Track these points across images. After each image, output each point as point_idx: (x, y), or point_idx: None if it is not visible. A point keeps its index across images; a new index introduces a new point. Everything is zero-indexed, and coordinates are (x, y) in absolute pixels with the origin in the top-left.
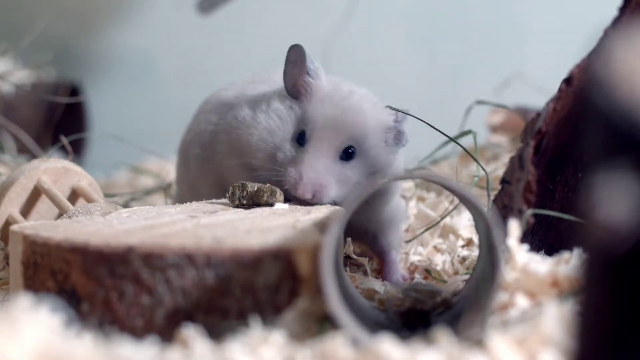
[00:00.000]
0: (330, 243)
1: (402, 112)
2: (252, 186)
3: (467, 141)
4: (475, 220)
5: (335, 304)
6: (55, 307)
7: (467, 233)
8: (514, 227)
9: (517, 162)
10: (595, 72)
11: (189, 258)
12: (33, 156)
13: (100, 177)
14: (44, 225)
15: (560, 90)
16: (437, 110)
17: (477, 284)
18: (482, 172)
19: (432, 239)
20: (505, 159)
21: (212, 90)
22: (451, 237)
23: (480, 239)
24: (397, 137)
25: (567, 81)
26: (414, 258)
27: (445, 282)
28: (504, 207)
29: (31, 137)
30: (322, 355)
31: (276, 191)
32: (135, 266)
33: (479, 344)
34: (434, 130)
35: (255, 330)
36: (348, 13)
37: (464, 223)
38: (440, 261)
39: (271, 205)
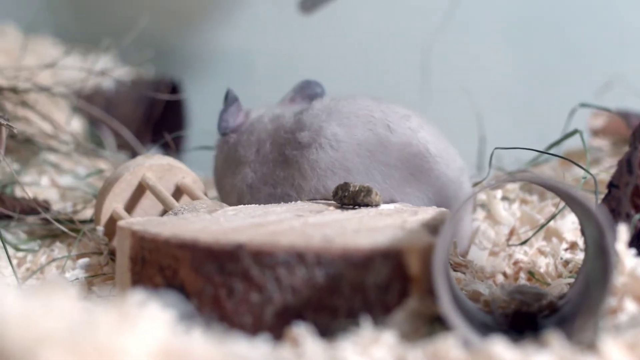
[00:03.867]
0: (442, 244)
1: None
2: (354, 186)
3: (570, 142)
4: (582, 222)
5: (447, 305)
6: (174, 302)
7: (571, 236)
8: (623, 232)
9: (625, 166)
10: None
11: (299, 256)
12: (133, 152)
13: (199, 174)
14: (150, 221)
15: None
16: (536, 113)
17: (586, 288)
18: (589, 174)
19: (536, 242)
20: (606, 162)
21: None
22: (554, 239)
23: (587, 242)
24: None
25: None
26: (518, 256)
27: (548, 284)
28: (612, 212)
29: (131, 133)
30: (434, 355)
31: (372, 190)
32: (245, 264)
33: (590, 347)
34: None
35: (366, 329)
36: (448, 14)
37: (568, 226)
38: (543, 264)
39: (371, 205)
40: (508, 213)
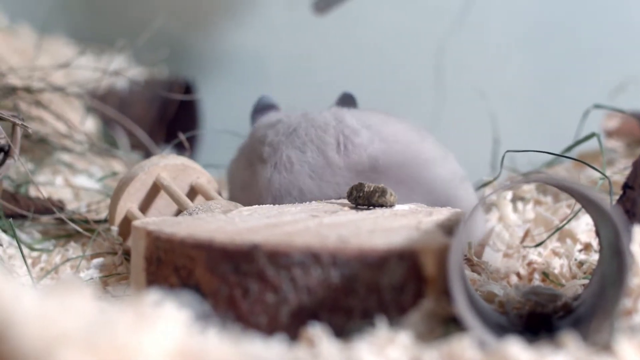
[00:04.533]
0: (457, 245)
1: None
2: (369, 187)
3: (584, 144)
4: (596, 223)
5: (463, 306)
6: (189, 302)
7: (585, 237)
8: (638, 233)
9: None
10: None
11: (314, 257)
12: (146, 152)
13: (213, 175)
14: (165, 221)
15: None
16: (550, 114)
17: (601, 289)
18: (604, 176)
19: (550, 243)
20: (620, 164)
21: (322, 91)
22: (568, 240)
23: (602, 243)
24: None
25: None
26: (532, 257)
27: (562, 285)
28: (627, 213)
29: (145, 133)
30: (449, 356)
31: (386, 191)
32: (260, 264)
33: (605, 348)
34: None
35: (381, 330)
36: (461, 16)
37: (582, 227)
38: (558, 265)
39: (386, 205)
40: (521, 214)
